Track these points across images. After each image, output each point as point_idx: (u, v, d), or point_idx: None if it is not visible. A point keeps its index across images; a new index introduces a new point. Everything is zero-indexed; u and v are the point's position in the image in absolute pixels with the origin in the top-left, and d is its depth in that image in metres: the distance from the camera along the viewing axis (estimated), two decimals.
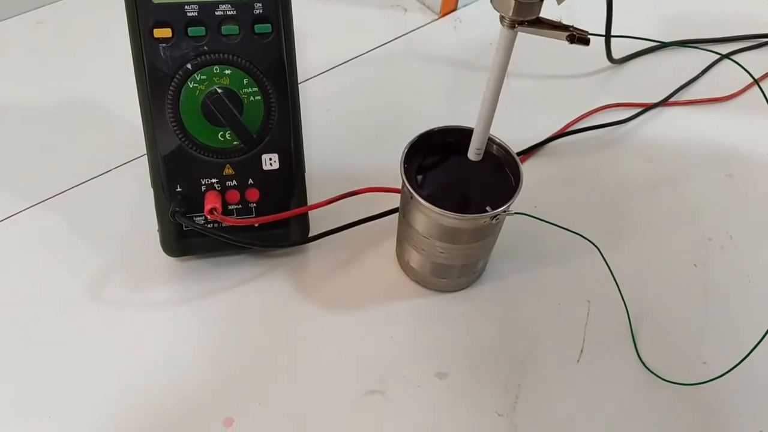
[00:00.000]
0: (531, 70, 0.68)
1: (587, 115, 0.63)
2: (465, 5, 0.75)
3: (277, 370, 0.45)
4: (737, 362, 0.43)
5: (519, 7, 0.35)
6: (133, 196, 0.52)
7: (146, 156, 0.46)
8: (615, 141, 0.62)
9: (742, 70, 0.42)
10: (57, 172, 0.55)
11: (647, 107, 0.65)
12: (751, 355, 0.42)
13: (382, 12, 0.74)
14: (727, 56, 0.57)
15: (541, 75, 0.68)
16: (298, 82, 0.47)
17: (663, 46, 0.71)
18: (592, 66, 0.69)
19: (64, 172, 0.55)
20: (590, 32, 0.37)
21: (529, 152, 0.59)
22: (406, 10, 0.74)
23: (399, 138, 0.45)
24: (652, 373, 0.46)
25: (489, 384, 0.45)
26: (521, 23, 0.36)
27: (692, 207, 0.57)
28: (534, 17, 0.36)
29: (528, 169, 0.44)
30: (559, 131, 0.61)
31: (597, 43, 0.66)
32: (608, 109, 0.64)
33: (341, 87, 0.65)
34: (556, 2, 0.35)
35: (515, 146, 0.46)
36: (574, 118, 0.63)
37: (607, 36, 0.64)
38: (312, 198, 0.50)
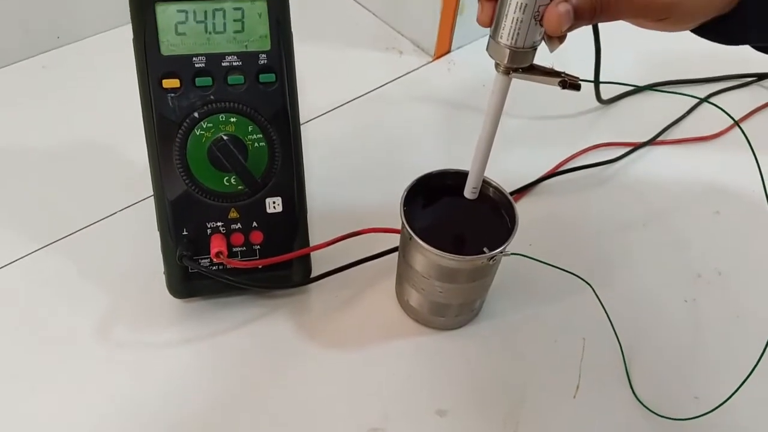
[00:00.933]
0: (523, 110, 0.70)
1: (578, 155, 0.65)
2: (458, 47, 0.77)
3: (279, 409, 0.46)
4: (727, 397, 0.44)
5: (513, 55, 0.36)
6: (137, 238, 0.54)
7: (151, 198, 0.47)
8: (606, 179, 0.64)
9: (728, 110, 0.43)
10: (63, 216, 0.56)
11: (636, 146, 0.67)
12: (740, 389, 0.43)
13: (379, 55, 0.76)
14: (706, 99, 0.60)
15: (532, 116, 0.70)
16: (300, 122, 0.49)
17: (649, 88, 0.73)
18: (582, 107, 0.71)
19: (70, 215, 0.56)
20: (580, 78, 0.39)
21: (522, 191, 0.61)
22: (401, 52, 0.76)
23: (397, 178, 0.47)
24: (646, 408, 0.47)
25: (488, 420, 0.46)
26: (515, 70, 0.38)
27: (682, 243, 0.59)
28: (527, 64, 0.38)
29: (521, 208, 0.46)
30: (551, 170, 0.63)
31: (586, 85, 0.68)
32: (598, 149, 0.66)
33: (341, 128, 0.67)
34: (548, 50, 0.37)
35: (508, 185, 0.47)
36: (566, 157, 0.64)
37: (596, 80, 0.66)
38: (314, 238, 0.51)
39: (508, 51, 0.36)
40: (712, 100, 0.73)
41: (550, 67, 0.39)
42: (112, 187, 0.59)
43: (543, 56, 0.38)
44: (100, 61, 0.71)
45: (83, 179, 0.60)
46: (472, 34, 0.77)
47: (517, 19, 0.35)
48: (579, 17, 0.34)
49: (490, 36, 0.37)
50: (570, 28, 0.35)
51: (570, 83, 0.38)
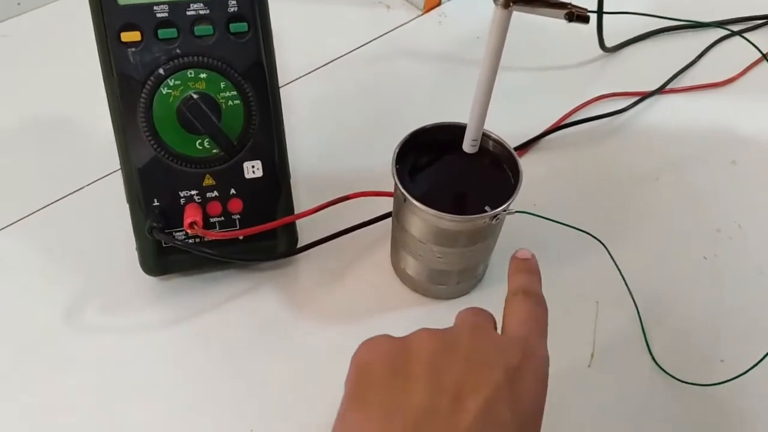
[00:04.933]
0: (522, 62, 0.65)
1: (583, 107, 0.61)
2: None
3: (270, 389, 0.42)
4: (759, 359, 0.41)
5: None
6: (108, 213, 0.49)
7: (119, 171, 0.43)
8: (613, 132, 0.60)
9: (740, 53, 0.39)
10: (26, 193, 0.52)
11: (644, 95, 0.62)
12: None
13: (365, 10, 0.71)
14: (739, 33, 0.55)
15: (532, 67, 0.65)
16: (280, 85, 0.44)
17: (655, 32, 0.69)
18: (584, 56, 0.67)
19: (34, 191, 0.52)
20: (588, 9, 0.34)
21: (524, 147, 0.57)
22: (389, 7, 0.72)
23: (388, 138, 0.43)
24: (668, 374, 0.44)
25: None
26: (516, 1, 0.34)
27: (697, 197, 0.55)
28: None
29: (525, 165, 0.41)
30: (554, 124, 0.59)
31: (589, 32, 0.63)
32: (604, 100, 0.62)
33: (325, 89, 0.62)
34: None
35: (510, 140, 0.43)
36: (570, 110, 0.60)
37: (599, 21, 0.61)
38: (299, 206, 0.47)
39: None
40: (723, 43, 0.68)
41: None
42: (80, 159, 0.54)
43: None
44: (62, 26, 0.66)
45: (48, 152, 0.55)
46: None
47: None
48: None
49: None
50: None
51: (578, 15, 0.34)
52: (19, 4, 0.67)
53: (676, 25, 0.70)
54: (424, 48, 0.67)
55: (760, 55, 0.66)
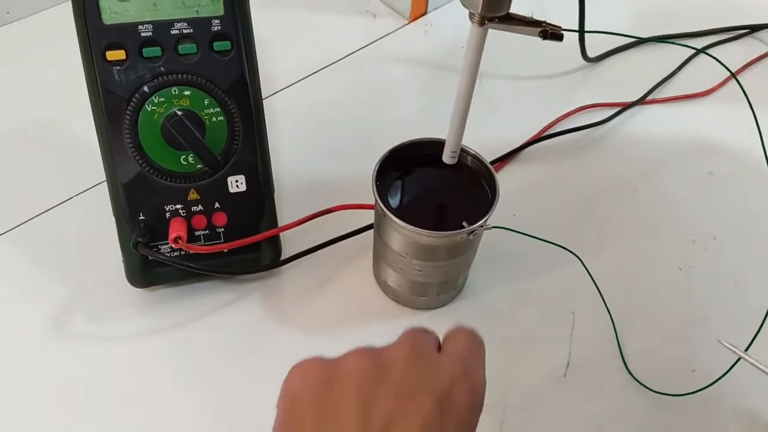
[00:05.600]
0: (503, 71, 0.66)
1: (564, 118, 0.62)
2: (435, 8, 0.73)
3: (254, 400, 0.43)
4: (726, 369, 0.42)
5: (488, 2, 0.34)
6: (93, 224, 0.50)
7: (106, 183, 0.44)
8: (593, 143, 0.61)
9: (719, 65, 0.41)
10: (12, 204, 0.52)
11: (625, 106, 0.63)
12: (740, 361, 0.41)
13: (351, 19, 0.72)
14: (703, 50, 0.57)
15: (514, 76, 0.66)
16: (263, 97, 0.45)
17: (638, 42, 0.70)
18: (567, 65, 0.68)
19: (19, 203, 0.52)
20: (564, 28, 0.35)
21: (505, 159, 0.58)
22: (375, 15, 0.72)
23: (372, 150, 0.44)
24: (641, 384, 0.45)
25: None
26: (491, 19, 0.35)
27: (674, 208, 0.56)
28: (504, 13, 0.35)
29: (504, 177, 0.42)
30: (535, 136, 0.60)
31: (572, 42, 0.64)
32: (585, 111, 0.63)
33: (310, 99, 0.63)
34: None
35: (490, 153, 0.44)
36: (551, 121, 0.61)
37: (581, 32, 0.62)
38: (283, 218, 0.48)
39: None
40: (703, 54, 0.69)
41: (530, 16, 0.35)
42: (64, 170, 0.55)
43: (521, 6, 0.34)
44: (45, 37, 0.66)
45: (33, 164, 0.56)
46: None
47: None
48: None
49: None
50: None
51: (552, 33, 0.35)
52: (8, 12, 0.67)
53: (659, 36, 0.71)
54: (411, 56, 0.68)
55: (739, 67, 0.67)
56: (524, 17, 0.35)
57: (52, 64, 0.63)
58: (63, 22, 0.66)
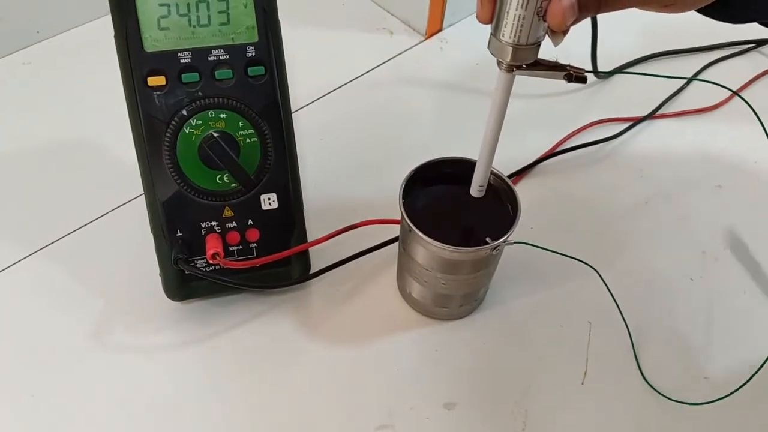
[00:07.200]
0: (518, 89, 0.66)
1: (576, 133, 0.64)
2: (450, 25, 0.75)
3: (283, 409, 0.45)
4: (745, 380, 0.44)
5: (516, 52, 0.35)
6: (131, 237, 0.52)
7: (143, 197, 0.46)
8: (605, 157, 0.63)
9: (729, 78, 0.42)
10: (53, 219, 0.54)
11: (636, 121, 0.65)
12: (760, 372, 0.43)
13: (369, 36, 0.74)
14: (695, 77, 0.58)
15: (527, 94, 0.68)
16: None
17: (647, 58, 0.72)
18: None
19: (60, 217, 0.54)
20: (585, 70, 0.37)
21: (520, 174, 0.60)
22: (392, 32, 0.74)
23: (394, 165, 0.46)
24: (657, 391, 0.47)
25: (496, 411, 0.46)
26: (519, 67, 0.36)
27: (685, 220, 0.58)
28: (531, 61, 0.36)
29: (520, 191, 0.44)
30: (549, 151, 0.62)
31: (583, 57, 0.66)
32: (597, 126, 0.65)
33: (333, 115, 0.65)
34: (552, 45, 0.35)
35: (506, 168, 0.46)
36: (564, 136, 0.63)
37: (593, 55, 0.64)
38: (311, 232, 0.50)
39: (510, 49, 0.35)
40: (710, 69, 0.72)
41: (554, 60, 0.37)
42: (101, 186, 0.57)
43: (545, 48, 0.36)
44: (84, 54, 0.69)
45: (71, 180, 0.58)
46: (465, 10, 0.75)
47: (519, 16, 0.33)
48: (583, 9, 0.32)
49: (491, 33, 0.35)
50: (574, 22, 0.33)
51: (576, 76, 0.37)
52: (38, 32, 0.70)
53: (667, 51, 0.73)
54: (427, 74, 0.70)
55: (745, 82, 0.69)
56: (550, 62, 0.37)
57: (85, 80, 0.66)
58: (92, 40, 0.69)
